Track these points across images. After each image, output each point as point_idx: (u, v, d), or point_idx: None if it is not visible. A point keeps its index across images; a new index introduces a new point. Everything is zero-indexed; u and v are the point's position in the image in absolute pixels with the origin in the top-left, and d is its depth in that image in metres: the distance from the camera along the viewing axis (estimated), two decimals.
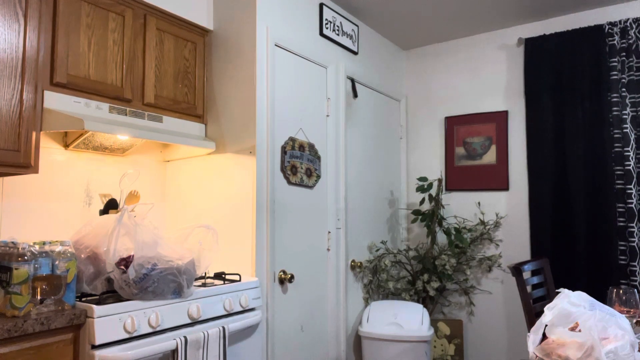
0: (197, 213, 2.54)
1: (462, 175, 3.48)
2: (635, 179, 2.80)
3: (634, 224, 2.76)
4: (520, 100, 3.30)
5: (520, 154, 3.28)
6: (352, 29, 3.13)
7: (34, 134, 1.81)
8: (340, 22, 3.00)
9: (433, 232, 3.28)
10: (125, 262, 1.76)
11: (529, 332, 1.29)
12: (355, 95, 3.11)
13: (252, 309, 2.21)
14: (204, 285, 2.07)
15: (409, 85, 3.81)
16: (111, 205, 2.16)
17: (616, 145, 2.83)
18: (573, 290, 1.35)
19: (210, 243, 2.03)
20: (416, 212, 3.35)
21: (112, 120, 2.06)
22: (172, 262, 1.81)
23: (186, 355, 1.79)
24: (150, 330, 1.74)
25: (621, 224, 2.80)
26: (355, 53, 3.15)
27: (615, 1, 2.97)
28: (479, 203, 3.41)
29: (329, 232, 2.84)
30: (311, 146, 2.72)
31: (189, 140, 2.32)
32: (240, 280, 2.19)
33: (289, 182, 2.56)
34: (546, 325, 1.27)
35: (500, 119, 3.35)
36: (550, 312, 1.27)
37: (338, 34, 2.98)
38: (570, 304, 1.28)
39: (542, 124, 3.12)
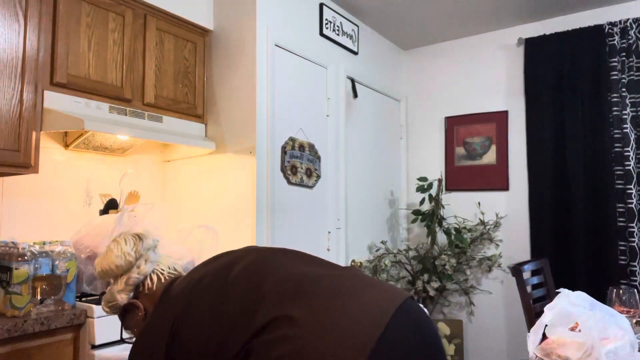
0: (197, 213, 2.54)
1: (462, 175, 3.48)
2: (635, 179, 2.79)
3: (634, 224, 2.76)
4: (520, 100, 3.30)
5: (520, 154, 3.28)
6: (352, 29, 3.12)
7: (34, 134, 1.81)
8: (340, 22, 3.00)
9: (433, 232, 3.28)
10: None
11: (529, 332, 1.28)
12: (355, 95, 3.11)
13: None
14: None
15: (409, 85, 3.80)
16: (111, 205, 2.16)
17: (616, 145, 2.83)
18: (573, 290, 1.35)
19: (210, 243, 2.03)
20: (416, 212, 3.35)
21: (112, 120, 2.06)
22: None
23: None
24: None
25: (621, 224, 2.80)
26: (355, 53, 3.15)
27: (615, 1, 2.97)
28: (479, 203, 3.41)
29: (329, 232, 2.84)
30: (311, 146, 2.72)
31: (189, 140, 2.31)
32: None
33: (289, 182, 2.56)
34: (546, 325, 1.26)
35: (500, 119, 3.35)
36: (550, 312, 1.26)
37: (338, 34, 2.98)
38: (570, 304, 1.28)
39: (542, 124, 3.12)
